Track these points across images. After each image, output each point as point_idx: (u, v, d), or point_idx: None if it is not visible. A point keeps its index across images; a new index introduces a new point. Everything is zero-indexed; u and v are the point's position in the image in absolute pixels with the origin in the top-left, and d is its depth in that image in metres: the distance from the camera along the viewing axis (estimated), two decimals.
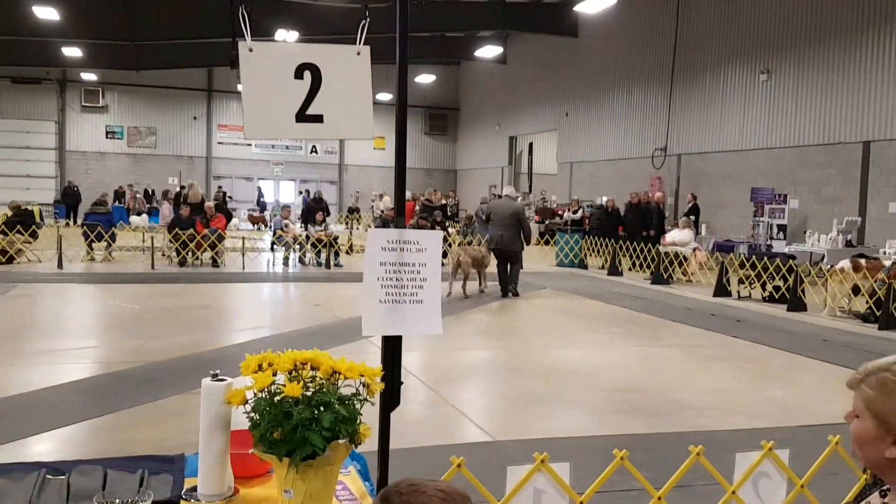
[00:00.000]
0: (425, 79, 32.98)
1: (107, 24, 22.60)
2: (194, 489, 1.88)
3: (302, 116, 1.95)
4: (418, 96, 34.03)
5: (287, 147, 34.79)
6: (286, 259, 16.16)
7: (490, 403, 6.13)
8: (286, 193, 34.41)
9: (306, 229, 16.83)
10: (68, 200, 26.91)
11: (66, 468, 2.02)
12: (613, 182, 23.24)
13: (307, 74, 1.95)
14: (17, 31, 22.06)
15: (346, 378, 1.85)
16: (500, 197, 15.39)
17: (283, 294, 12.45)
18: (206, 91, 33.21)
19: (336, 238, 16.50)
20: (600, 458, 4.07)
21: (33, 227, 15.27)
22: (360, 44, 1.99)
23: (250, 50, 1.93)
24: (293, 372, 1.85)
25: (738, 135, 18.80)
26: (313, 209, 17.60)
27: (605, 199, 20.43)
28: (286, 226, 16.70)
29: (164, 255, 15.74)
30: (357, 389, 1.87)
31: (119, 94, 32.08)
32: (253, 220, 27.61)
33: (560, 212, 24.05)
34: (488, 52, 28.23)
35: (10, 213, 15.59)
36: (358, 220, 29.79)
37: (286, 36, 20.64)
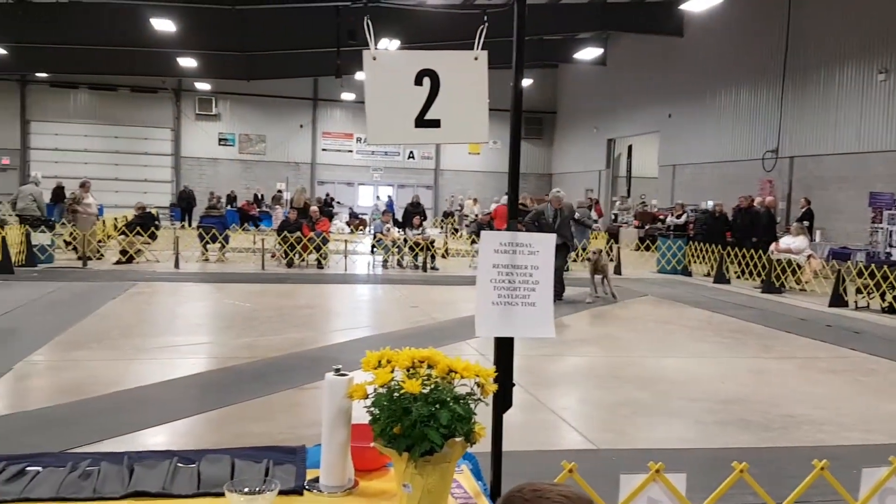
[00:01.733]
0: (523, 83, 32.83)
1: (220, 35, 23.79)
2: (316, 480, 1.95)
3: (420, 122, 2.00)
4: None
5: (386, 153, 35.51)
6: (385, 262, 16.48)
7: (590, 411, 6.04)
8: (385, 199, 35.13)
9: (404, 233, 17.13)
10: (183, 204, 28.43)
11: (196, 457, 2.13)
12: (718, 185, 22.41)
13: (426, 80, 2.00)
14: (137, 42, 23.51)
15: (461, 377, 1.88)
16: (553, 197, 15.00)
17: (383, 296, 12.69)
18: (311, 100, 34.35)
19: (432, 242, 16.70)
20: (710, 471, 3.95)
21: (152, 228, 16.23)
22: (477, 48, 2.02)
23: (374, 59, 1.99)
24: (411, 369, 1.89)
25: (855, 137, 17.74)
26: (411, 213, 17.90)
27: (711, 203, 19.73)
28: (387, 230, 17.04)
29: (273, 256, 16.40)
30: (472, 389, 1.89)
31: (231, 103, 33.65)
32: (352, 224, 28.35)
33: (661, 216, 23.41)
34: (588, 53, 27.83)
35: (134, 215, 16.65)
36: (453, 223, 30.04)
37: (388, 45, 21.09)
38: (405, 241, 16.44)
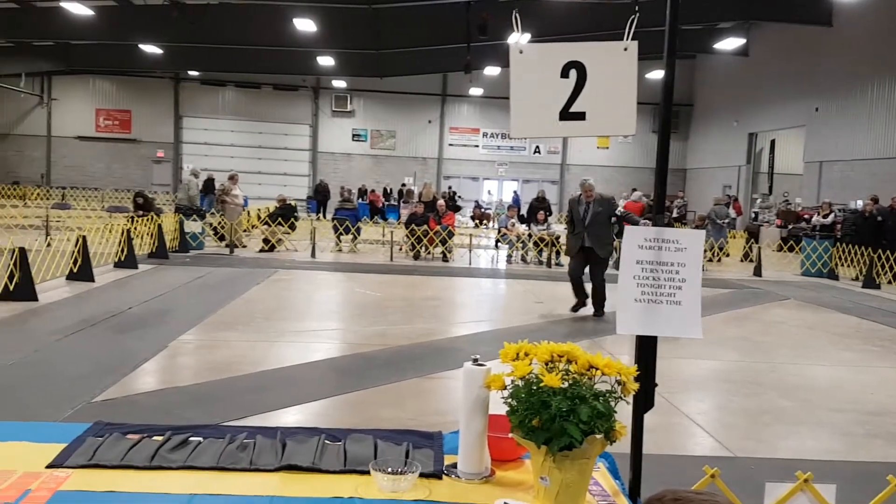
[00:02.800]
0: (657, 74, 31.84)
1: (356, 34, 24.64)
2: (453, 466, 1.99)
3: (565, 114, 1.99)
4: (648, 93, 32.51)
5: (511, 148, 35.49)
6: (509, 256, 16.49)
7: (727, 417, 5.78)
8: (509, 193, 35.12)
9: (529, 228, 17.07)
10: (319, 197, 29.70)
11: (341, 435, 2.24)
12: (870, 184, 20.73)
13: (573, 72, 1.99)
14: (280, 42, 24.78)
15: (602, 374, 1.86)
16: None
17: (506, 290, 12.71)
18: (440, 96, 34.88)
19: (558, 237, 16.53)
20: (861, 484, 3.68)
21: (292, 219, 17.08)
22: (627, 39, 1.98)
23: (520, 52, 2.00)
24: (550, 363, 1.89)
25: None
26: (535, 209, 17.80)
27: (861, 202, 18.31)
28: (512, 224, 17.04)
29: (400, 248, 16.83)
30: (612, 387, 1.87)
31: (364, 100, 34.78)
32: (476, 218, 28.56)
33: (806, 215, 21.98)
34: (729, 44, 26.52)
35: (276, 207, 17.62)
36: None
37: (518, 39, 21.04)
38: (529, 236, 16.38)
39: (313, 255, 15.36)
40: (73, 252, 10.41)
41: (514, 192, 32.07)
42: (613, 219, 9.66)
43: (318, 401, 5.52)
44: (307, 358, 6.79)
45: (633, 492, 2.00)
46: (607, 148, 35.44)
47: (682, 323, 2.04)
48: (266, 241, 16.13)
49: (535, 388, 1.81)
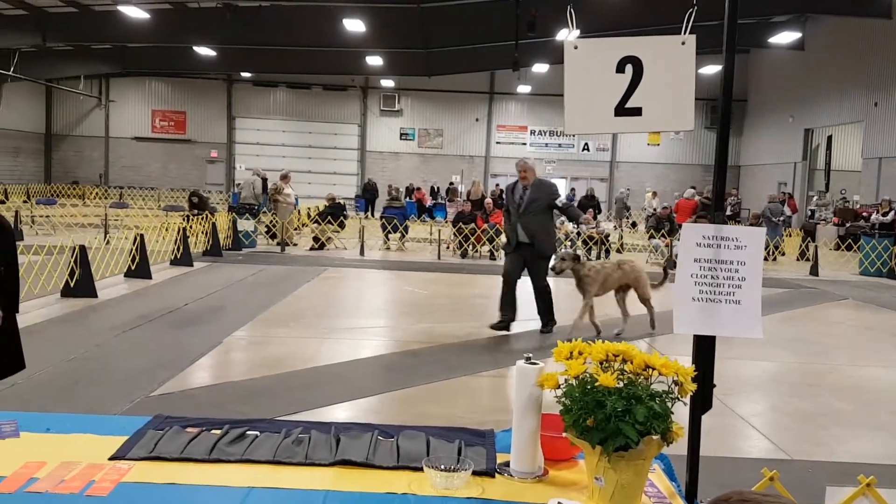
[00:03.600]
0: (709, 69, 31.18)
1: (404, 33, 24.75)
2: (506, 464, 1.98)
3: (621, 110, 1.96)
4: (701, 88, 31.09)
5: (560, 145, 35.22)
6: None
7: (783, 419, 5.64)
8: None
9: (577, 226, 16.89)
10: (367, 195, 29.96)
11: (394, 431, 2.26)
12: None
13: (629, 68, 1.96)
14: (330, 42, 25.05)
15: (659, 374, 1.84)
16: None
17: (555, 288, 12.56)
18: (487, 94, 34.82)
19: (607, 236, 16.35)
20: None
21: (341, 218, 17.27)
22: (685, 33, 1.95)
23: (575, 47, 1.98)
24: (605, 362, 1.87)
25: None
26: (584, 206, 17.64)
27: None
28: (560, 223, 16.89)
29: (447, 247, 16.87)
30: (669, 387, 1.84)
31: (412, 99, 34.93)
32: None
33: (864, 213, 21.26)
34: (784, 38, 25.80)
35: (325, 205, 17.85)
36: (628, 217, 29.19)
37: (567, 35, 20.85)
38: (578, 234, 16.22)
39: (362, 253, 15.50)
40: (132, 250, 10.72)
41: (572, 189, 31.75)
42: (556, 209, 8.05)
43: (368, 397, 5.56)
44: (356, 355, 6.85)
45: (690, 494, 1.97)
46: (658, 144, 34.88)
47: (742, 323, 1.99)
48: (316, 239, 16.35)
49: (589, 387, 1.79)
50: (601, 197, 30.28)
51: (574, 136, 34.77)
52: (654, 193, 27.40)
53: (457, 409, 5.25)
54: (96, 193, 31.72)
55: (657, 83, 1.96)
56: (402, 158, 35.44)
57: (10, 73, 27.54)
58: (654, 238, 16.51)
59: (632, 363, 1.83)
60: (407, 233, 17.46)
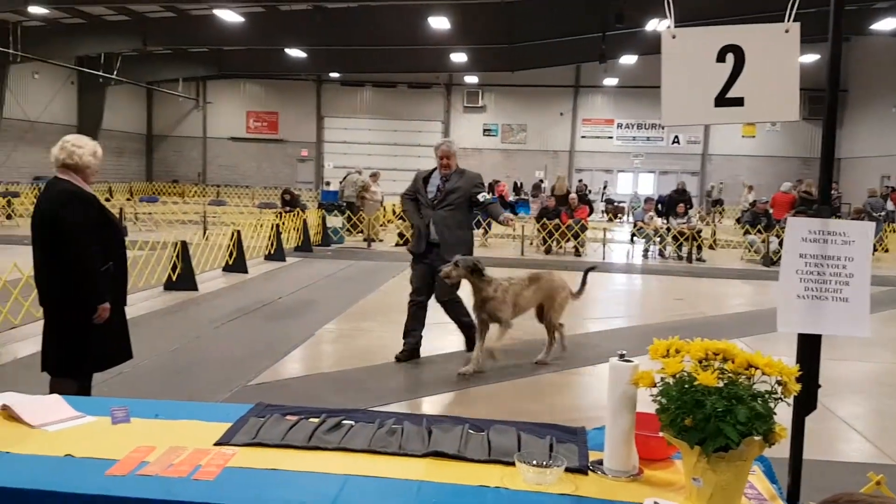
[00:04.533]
0: (807, 58, 29.73)
1: (489, 29, 24.74)
2: (599, 462, 1.97)
3: (721, 100, 1.91)
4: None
5: (648, 138, 34.40)
6: (646, 251, 16.00)
7: (886, 422, 5.34)
8: (644, 186, 34.04)
9: (667, 222, 16.48)
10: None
11: (484, 425, 2.27)
12: None
13: (729, 57, 1.90)
14: (415, 41, 25.32)
15: (762, 374, 1.78)
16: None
17: (643, 286, 12.35)
18: (572, 87, 34.36)
19: (699, 231, 15.86)
20: None
21: None
22: (788, 20, 1.87)
23: (673, 37, 1.94)
24: (704, 361, 1.83)
25: None
26: (675, 201, 17.15)
27: None
28: (650, 218, 16.52)
29: (531, 243, 16.77)
30: (772, 387, 1.78)
31: (495, 95, 34.88)
32: (609, 212, 27.90)
33: None
34: (886, 24, 24.32)
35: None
36: (721, 212, 28.20)
37: (657, 26, 20.32)
38: (668, 230, 15.81)
39: None
40: (229, 245, 11.18)
41: (681, 183, 30.94)
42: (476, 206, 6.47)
43: (454, 391, 5.61)
44: (441, 349, 6.91)
45: (792, 497, 1.90)
46: (753, 136, 33.53)
47: (849, 321, 1.90)
48: (401, 235, 16.57)
49: (687, 386, 1.75)
50: (692, 191, 29.35)
51: (663, 128, 33.94)
52: (751, 188, 26.37)
53: (543, 406, 5.22)
54: (195, 191, 33.18)
55: (760, 72, 1.89)
56: (484, 154, 35.44)
57: (114, 76, 29.18)
58: (750, 234, 15.90)
59: (733, 362, 1.79)
60: (490, 228, 17.45)
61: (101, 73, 28.64)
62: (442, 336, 7.52)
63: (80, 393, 3.72)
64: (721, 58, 1.90)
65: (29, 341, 6.35)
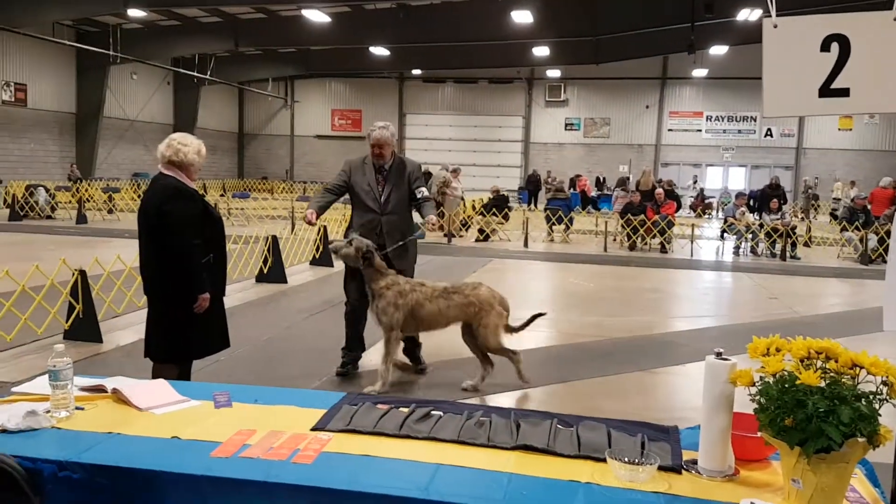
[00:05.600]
0: None
1: (572, 21, 24.44)
2: (693, 462, 1.94)
3: (826, 91, 1.84)
4: None
5: (739, 131, 33.23)
6: (737, 248, 15.47)
7: None
8: (735, 180, 32.90)
9: (759, 218, 15.89)
10: (531, 187, 29.93)
11: (573, 421, 2.27)
12: None
13: (834, 46, 1.83)
14: (497, 36, 25.28)
15: (867, 374, 1.72)
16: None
17: (734, 284, 11.94)
18: (659, 79, 33.54)
19: (794, 228, 15.22)
20: None
21: (506, 210, 17.42)
22: None
23: (775, 26, 1.88)
24: (806, 360, 1.78)
25: None
26: (768, 196, 16.52)
27: None
28: (742, 213, 15.96)
29: (615, 239, 16.49)
30: (877, 388, 1.72)
31: (578, 88, 34.42)
32: (696, 208, 27.10)
33: None
34: None
35: (490, 197, 18.09)
36: (816, 208, 26.95)
37: (749, 15, 19.59)
38: (761, 226, 15.24)
39: (526, 244, 15.54)
40: (316, 240, 11.48)
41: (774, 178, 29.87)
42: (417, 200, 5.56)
43: (536, 388, 5.59)
44: (523, 345, 6.84)
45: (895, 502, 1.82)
46: (850, 129, 31.88)
47: None
48: (481, 231, 16.61)
49: (788, 385, 1.71)
50: (786, 186, 28.17)
51: (755, 120, 32.68)
52: (853, 183, 25.10)
53: (630, 405, 5.14)
54: (283, 188, 34.19)
55: (867, 62, 1.81)
56: (566, 149, 35.04)
57: (208, 76, 30.41)
58: (847, 231, 15.15)
59: (836, 361, 1.73)
60: (571, 224, 17.27)
61: (195, 74, 29.92)
62: (507, 335, 7.50)
63: (180, 378, 3.91)
64: (825, 47, 1.84)
65: (131, 329, 6.72)
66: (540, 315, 5.55)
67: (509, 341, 5.36)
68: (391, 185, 5.43)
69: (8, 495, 1.90)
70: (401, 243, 5.43)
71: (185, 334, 4.12)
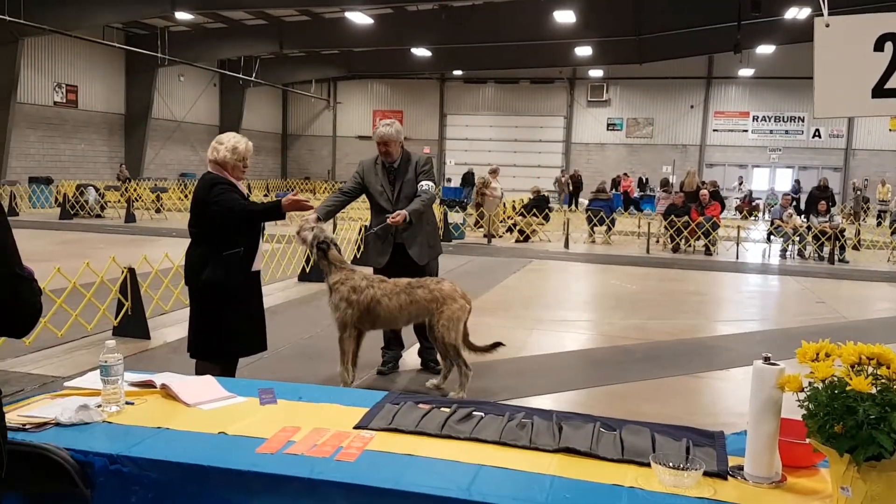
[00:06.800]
0: None
1: (615, 21, 24.20)
2: (739, 468, 1.91)
3: (879, 91, 1.79)
4: None
5: (786, 131, 32.51)
6: (784, 251, 15.14)
7: None
8: (782, 181, 32.19)
9: (807, 220, 15.52)
10: (572, 188, 29.71)
11: (616, 425, 2.25)
12: None
13: (888, 46, 1.79)
14: (538, 36, 25.17)
15: None
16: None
17: (780, 287, 11.69)
18: (704, 79, 33.00)
19: (842, 231, 14.83)
20: None
21: (546, 210, 17.33)
22: None
23: (827, 25, 1.84)
24: (856, 365, 1.74)
25: None
26: (817, 198, 16.14)
27: None
28: (790, 216, 15.61)
29: (657, 240, 16.28)
30: None
31: (621, 88, 34.06)
32: (742, 209, 26.59)
33: None
34: None
35: (530, 198, 18.02)
36: (866, 211, 26.22)
37: (797, 14, 19.16)
38: (808, 228, 14.89)
39: (566, 246, 15.44)
40: (357, 240, 11.58)
41: (796, 181, 29.18)
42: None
43: (577, 390, 5.56)
44: (563, 347, 6.86)
45: None
46: None
47: None
48: (521, 231, 16.54)
49: (838, 391, 1.67)
50: (835, 188, 27.46)
51: (803, 120, 31.94)
52: (884, 183, 24.45)
53: (673, 409, 5.07)
54: (325, 188, 34.53)
55: None
56: (607, 149, 34.70)
57: (253, 78, 30.91)
58: None
59: (888, 367, 1.69)
60: (613, 225, 17.10)
61: (241, 76, 30.44)
62: (548, 336, 7.49)
63: (224, 375, 3.99)
64: (879, 46, 1.79)
65: (178, 326, 6.87)
66: (499, 344, 5.11)
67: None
68: (401, 182, 5.42)
69: (61, 487, 1.96)
70: (374, 230, 5.49)
71: (226, 333, 4.21)
